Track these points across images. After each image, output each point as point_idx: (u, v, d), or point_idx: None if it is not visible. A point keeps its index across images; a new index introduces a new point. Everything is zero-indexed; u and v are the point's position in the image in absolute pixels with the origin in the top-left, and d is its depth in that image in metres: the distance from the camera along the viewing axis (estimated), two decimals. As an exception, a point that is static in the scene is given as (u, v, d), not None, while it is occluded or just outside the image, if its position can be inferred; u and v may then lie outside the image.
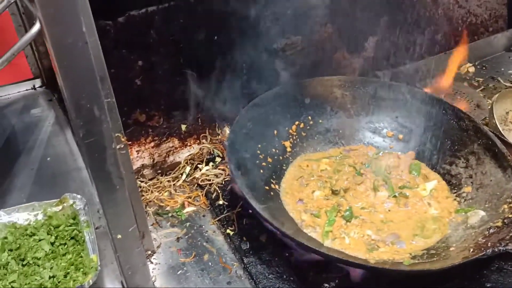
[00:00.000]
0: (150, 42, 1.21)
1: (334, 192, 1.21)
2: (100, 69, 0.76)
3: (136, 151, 1.28)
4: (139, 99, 1.25)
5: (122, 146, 0.88)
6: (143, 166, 1.31)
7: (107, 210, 0.74)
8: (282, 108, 1.32)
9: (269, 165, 1.25)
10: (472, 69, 1.74)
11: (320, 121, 1.37)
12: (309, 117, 1.36)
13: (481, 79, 1.69)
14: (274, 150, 1.28)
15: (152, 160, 1.31)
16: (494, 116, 1.35)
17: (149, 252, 1.13)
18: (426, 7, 1.68)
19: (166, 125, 1.31)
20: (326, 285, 1.06)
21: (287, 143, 1.32)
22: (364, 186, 1.23)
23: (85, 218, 0.95)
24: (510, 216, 1.00)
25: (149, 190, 1.29)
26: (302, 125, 1.35)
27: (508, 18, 1.87)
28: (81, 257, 0.91)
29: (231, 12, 1.26)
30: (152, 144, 1.31)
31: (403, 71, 1.58)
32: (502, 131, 1.35)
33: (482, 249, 0.92)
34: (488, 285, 1.04)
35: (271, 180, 1.23)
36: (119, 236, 0.78)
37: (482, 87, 1.66)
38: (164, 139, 1.32)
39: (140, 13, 1.19)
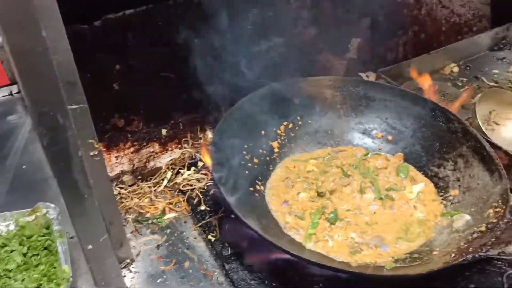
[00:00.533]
0: (128, 46, 1.19)
1: (320, 194, 1.19)
2: (69, 74, 0.74)
3: (115, 157, 1.26)
4: (118, 104, 1.22)
5: (96, 152, 0.85)
6: (123, 172, 1.28)
7: (76, 220, 0.72)
8: (270, 109, 1.30)
9: (255, 166, 1.23)
10: (456, 69, 1.73)
11: (309, 121, 1.35)
12: (298, 117, 1.34)
13: (465, 79, 1.69)
14: (261, 150, 1.27)
15: (132, 166, 1.29)
16: (477, 116, 1.34)
17: (128, 261, 1.11)
18: (410, 7, 1.67)
19: (146, 129, 1.28)
20: (309, 289, 1.04)
21: (275, 144, 1.30)
22: (350, 188, 1.21)
23: (58, 228, 0.92)
24: (494, 221, 0.98)
25: (128, 196, 1.26)
26: (291, 126, 1.33)
27: (491, 17, 1.87)
28: (54, 267, 0.89)
29: (211, 14, 1.24)
30: (132, 149, 1.28)
31: (387, 72, 1.57)
32: (485, 131, 1.34)
33: (464, 254, 0.91)
34: (471, 287, 1.03)
35: (257, 181, 1.21)
36: (90, 246, 0.76)
37: (466, 87, 1.65)
38: (144, 144, 1.30)
39: (117, 16, 1.17)
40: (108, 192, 0.94)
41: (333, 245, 1.08)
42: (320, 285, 1.05)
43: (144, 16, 1.19)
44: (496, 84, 1.66)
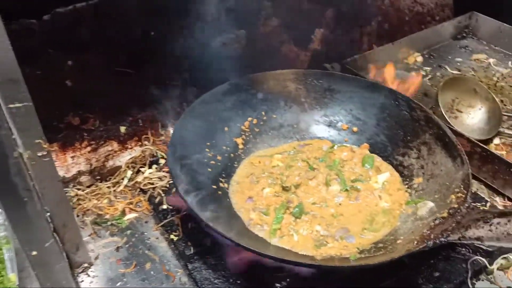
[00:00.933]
0: (81, 41, 1.14)
1: (285, 189, 1.17)
2: (10, 72, 0.70)
3: (71, 157, 1.21)
4: (72, 101, 1.17)
5: (45, 153, 0.81)
6: (80, 173, 1.23)
7: (15, 225, 0.67)
8: (234, 104, 1.27)
9: (219, 163, 1.20)
10: (420, 59, 1.74)
11: (274, 116, 1.33)
12: (263, 113, 1.32)
13: (429, 68, 1.69)
14: (224, 147, 1.24)
15: (89, 165, 1.24)
16: (440, 104, 1.34)
17: (86, 265, 1.06)
18: (373, -3, 1.66)
19: (103, 127, 1.23)
20: (277, 285, 1.02)
21: (239, 140, 1.27)
22: (316, 181, 1.20)
23: (5, 234, 0.87)
24: (455, 206, 0.98)
25: (86, 198, 1.21)
26: (255, 121, 1.30)
27: (454, 6, 1.88)
28: (2, 276, 0.84)
29: (169, 6, 1.20)
30: (89, 148, 1.23)
31: (352, 62, 1.55)
32: (448, 119, 1.34)
33: (425, 240, 0.90)
34: (436, 274, 1.03)
35: (220, 179, 1.18)
36: (34, 252, 0.71)
37: (430, 76, 1.66)
38: (102, 142, 1.25)
39: (68, 10, 1.11)
40: (59, 194, 0.89)
41: (299, 239, 1.06)
42: (288, 280, 1.03)
43: (96, 9, 1.13)
44: (459, 72, 1.68)
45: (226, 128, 1.26)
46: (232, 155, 1.24)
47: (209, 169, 1.17)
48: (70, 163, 1.21)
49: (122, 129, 1.27)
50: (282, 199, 1.15)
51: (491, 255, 1.06)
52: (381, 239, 1.06)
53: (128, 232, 1.15)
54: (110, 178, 1.27)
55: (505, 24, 1.75)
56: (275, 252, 1.01)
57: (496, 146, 1.36)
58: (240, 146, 1.27)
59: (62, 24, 1.11)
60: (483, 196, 1.22)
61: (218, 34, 1.33)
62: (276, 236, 1.07)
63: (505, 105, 1.50)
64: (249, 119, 1.30)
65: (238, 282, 1.03)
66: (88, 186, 1.25)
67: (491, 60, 1.72)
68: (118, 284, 1.03)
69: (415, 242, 0.93)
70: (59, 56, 1.12)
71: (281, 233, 1.07)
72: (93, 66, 1.17)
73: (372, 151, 1.28)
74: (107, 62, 1.18)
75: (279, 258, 0.93)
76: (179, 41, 1.25)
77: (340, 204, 1.15)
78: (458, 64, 1.73)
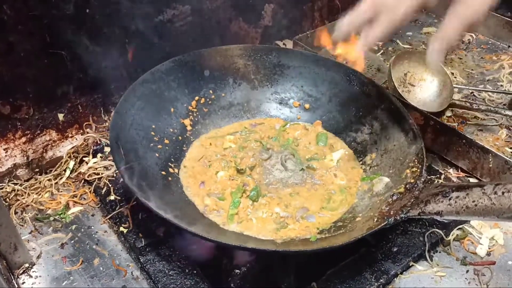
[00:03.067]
0: (4, 20, 1.02)
1: (240, 171, 1.13)
2: None
3: (4, 149, 1.10)
4: None
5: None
6: (16, 166, 1.13)
7: None
8: (179, 83, 1.20)
9: (166, 147, 1.13)
10: (372, 33, 1.72)
11: (223, 94, 1.27)
12: (211, 91, 1.26)
13: (380, 43, 1.68)
14: (171, 130, 1.17)
15: (26, 157, 1.14)
16: (392, 78, 1.33)
17: (27, 265, 0.98)
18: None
19: (38, 115, 1.13)
20: (237, 271, 0.98)
21: (187, 121, 1.21)
22: (271, 162, 1.16)
23: None
24: (411, 181, 0.97)
25: (25, 192, 1.12)
26: (203, 100, 1.24)
27: (403, -20, 1.87)
28: None
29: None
30: (24, 139, 1.13)
31: (304, 39, 1.51)
32: (401, 93, 1.34)
33: (385, 217, 0.89)
34: (394, 249, 1.02)
35: (169, 164, 1.11)
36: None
37: (382, 50, 1.65)
38: (38, 132, 1.15)
39: (-13, -15, 0.99)
40: (-13, 191, 0.80)
41: (258, 223, 1.03)
42: (247, 265, 0.99)
43: (21, -16, 1.02)
44: (410, 46, 1.68)
45: (172, 109, 1.19)
46: (180, 138, 1.18)
47: (157, 154, 1.10)
48: (3, 156, 1.10)
49: (60, 116, 1.17)
50: (238, 182, 1.10)
51: (447, 226, 1.07)
52: (340, 218, 1.04)
53: (73, 227, 1.08)
54: (51, 170, 1.18)
55: (452, -4, 1.76)
56: (234, 239, 0.97)
57: (448, 118, 1.37)
58: (188, 128, 1.21)
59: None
60: (437, 168, 1.23)
61: (162, 10, 1.25)
62: (235, 221, 1.03)
63: (455, 77, 1.52)
64: (196, 98, 1.24)
65: (195, 272, 0.98)
66: (26, 180, 1.15)
67: (440, 33, 1.73)
68: (64, 283, 0.96)
69: (375, 220, 0.91)
70: (-20, 37, 1.01)
71: (239, 218, 1.04)
72: (21, 48, 1.06)
73: (325, 128, 1.26)
74: (37, 44, 1.07)
75: (237, 245, 0.89)
76: (119, 18, 1.16)
77: (297, 184, 1.12)
78: (409, 38, 1.73)
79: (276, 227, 1.02)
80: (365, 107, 1.21)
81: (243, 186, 1.09)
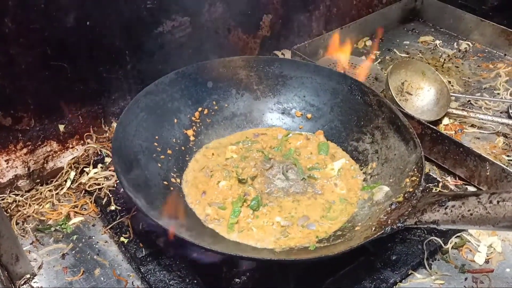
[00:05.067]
0: (6, 33, 1.03)
1: (241, 181, 1.14)
2: None
3: (5, 161, 1.11)
4: (0, 100, 1.07)
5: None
6: (17, 177, 1.14)
7: None
8: (182, 94, 1.22)
9: (169, 158, 1.14)
10: (369, 43, 1.74)
11: (226, 105, 1.28)
12: (214, 102, 1.27)
13: (378, 52, 1.70)
14: (174, 140, 1.18)
15: (27, 168, 1.14)
16: (390, 87, 1.34)
17: (28, 276, 0.99)
18: (320, -19, 1.64)
19: (39, 127, 1.14)
20: (237, 280, 0.99)
21: (190, 132, 1.22)
22: (272, 172, 1.17)
23: None
24: (410, 190, 0.98)
25: (26, 203, 1.12)
26: (206, 111, 1.25)
27: (399, -11, 1.89)
28: None
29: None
30: (25, 150, 1.14)
31: (302, 48, 1.53)
32: (399, 102, 1.35)
33: (383, 226, 0.89)
34: (393, 258, 1.03)
35: (172, 174, 1.12)
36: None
37: (379, 59, 1.66)
38: (39, 143, 1.16)
39: (-13, -1, 1.00)
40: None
41: (258, 232, 1.03)
42: (247, 274, 0.99)
43: (21, -3, 1.03)
44: (407, 55, 1.69)
45: (175, 120, 1.20)
46: (183, 148, 1.19)
47: (159, 165, 1.11)
48: (5, 167, 1.11)
49: (61, 127, 1.18)
50: (239, 192, 1.11)
51: (445, 234, 1.08)
52: (339, 227, 1.05)
53: (74, 237, 1.08)
54: (52, 181, 1.18)
55: (449, 5, 1.78)
56: (232, 248, 0.97)
57: (446, 126, 1.38)
58: (191, 138, 1.22)
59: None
60: (435, 176, 1.24)
61: (161, 22, 1.26)
62: (235, 230, 1.03)
63: (452, 85, 1.53)
64: (200, 109, 1.25)
65: (195, 281, 0.99)
66: (28, 191, 1.16)
67: (438, 42, 1.75)
68: (65, 294, 0.97)
69: (373, 229, 0.92)
70: (-19, 51, 1.02)
71: (240, 227, 1.04)
72: (23, 60, 1.07)
73: (326, 137, 1.27)
74: (38, 56, 1.09)
75: (233, 254, 0.90)
76: (118, 31, 1.17)
77: (297, 193, 1.13)
78: (406, 47, 1.74)
79: (276, 236, 1.03)
80: (366, 117, 1.22)
81: (244, 195, 1.10)
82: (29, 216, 1.11)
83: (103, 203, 1.14)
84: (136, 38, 1.21)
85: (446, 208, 0.83)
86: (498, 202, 0.78)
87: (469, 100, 1.48)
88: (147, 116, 1.13)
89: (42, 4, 1.06)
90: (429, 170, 1.27)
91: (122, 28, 1.18)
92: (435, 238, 1.06)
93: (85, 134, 1.23)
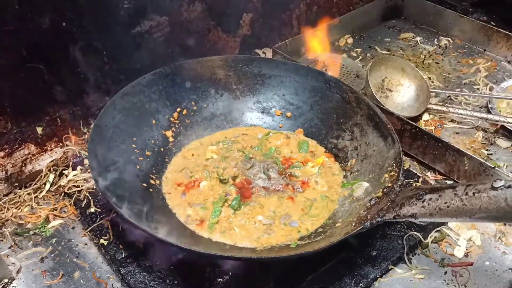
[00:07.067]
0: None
1: (222, 181, 1.14)
2: None
3: (-19, 165, 1.10)
4: (-25, 103, 1.06)
5: None
6: (-6, 181, 1.12)
7: None
8: (160, 95, 1.21)
9: (148, 159, 1.14)
10: (350, 40, 1.75)
11: (205, 105, 1.28)
12: (193, 102, 1.26)
13: (359, 49, 1.71)
14: (153, 142, 1.17)
15: (4, 172, 1.13)
16: (370, 84, 1.35)
17: (6, 280, 0.97)
18: (300, -21, 1.64)
19: (16, 129, 1.13)
20: (219, 279, 0.98)
21: (169, 133, 1.21)
22: (253, 171, 1.17)
23: None
24: (389, 185, 0.99)
25: (4, 207, 1.11)
26: (185, 112, 1.25)
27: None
28: None
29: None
30: (2, 153, 1.12)
31: (283, 47, 1.53)
32: (379, 99, 1.35)
33: (363, 222, 0.90)
34: (373, 253, 1.03)
35: (151, 176, 1.12)
36: None
37: (361, 57, 1.67)
38: (17, 146, 1.14)
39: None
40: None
41: (240, 231, 1.03)
42: (230, 273, 0.99)
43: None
44: (388, 52, 1.70)
45: (153, 121, 1.19)
46: (162, 149, 1.18)
47: (138, 167, 1.10)
48: (-19, 171, 1.10)
49: (39, 129, 1.17)
50: (220, 192, 1.11)
51: (425, 229, 1.08)
52: (321, 224, 1.05)
53: (53, 240, 1.07)
54: (31, 184, 1.17)
55: (429, 2, 1.80)
56: (214, 249, 0.97)
57: (426, 122, 1.39)
58: (171, 140, 1.21)
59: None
60: (415, 172, 1.25)
61: (139, 22, 1.26)
62: (216, 230, 1.03)
63: (432, 81, 1.55)
64: (178, 110, 1.24)
65: (175, 282, 0.98)
66: (6, 195, 1.15)
67: (418, 39, 1.77)
68: (44, 297, 0.96)
69: (353, 224, 0.92)
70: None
71: (222, 227, 1.04)
72: (-2, 62, 1.06)
73: (306, 135, 1.27)
74: (14, 57, 1.07)
75: (213, 254, 0.90)
76: (94, 31, 1.16)
77: (278, 190, 1.13)
78: (387, 44, 1.76)
79: (258, 235, 1.03)
80: (345, 114, 1.22)
81: (225, 195, 1.10)
82: (7, 220, 1.10)
83: (83, 206, 1.13)
84: (113, 38, 1.20)
85: (423, 201, 0.84)
86: (473, 193, 0.79)
87: (449, 96, 1.49)
88: (124, 118, 1.12)
89: (17, 6, 1.05)
90: (410, 166, 1.28)
91: (99, 28, 1.17)
92: (415, 233, 1.07)
93: (64, 136, 1.22)
